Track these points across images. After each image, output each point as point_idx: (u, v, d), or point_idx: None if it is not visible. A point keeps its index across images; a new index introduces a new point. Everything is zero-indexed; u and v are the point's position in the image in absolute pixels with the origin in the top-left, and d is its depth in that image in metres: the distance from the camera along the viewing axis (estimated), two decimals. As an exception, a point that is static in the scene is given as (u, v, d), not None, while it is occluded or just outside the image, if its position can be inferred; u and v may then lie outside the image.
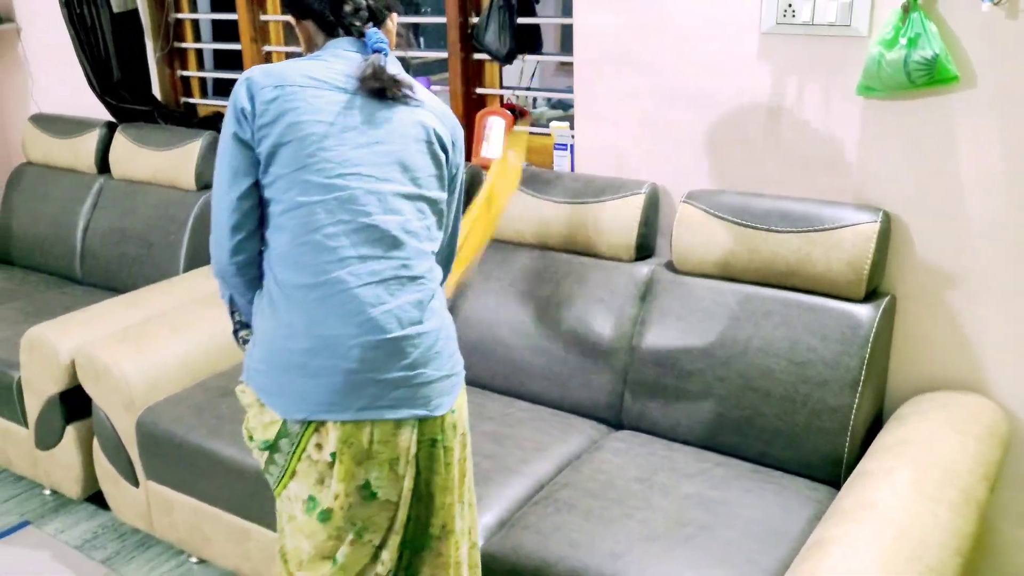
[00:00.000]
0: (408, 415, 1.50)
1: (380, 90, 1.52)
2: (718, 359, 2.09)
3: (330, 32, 1.60)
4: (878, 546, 1.51)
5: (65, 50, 3.35)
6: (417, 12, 3.50)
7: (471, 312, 2.46)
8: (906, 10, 1.86)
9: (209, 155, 3.07)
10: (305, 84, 1.50)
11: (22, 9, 3.63)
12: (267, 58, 3.24)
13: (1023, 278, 1.94)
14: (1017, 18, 1.82)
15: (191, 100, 3.52)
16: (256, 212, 1.51)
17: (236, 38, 3.24)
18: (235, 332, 1.68)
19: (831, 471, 1.98)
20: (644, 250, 2.32)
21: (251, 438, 1.59)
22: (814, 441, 1.99)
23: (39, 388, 2.54)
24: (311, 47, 1.64)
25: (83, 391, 2.48)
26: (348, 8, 1.57)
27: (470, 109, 2.82)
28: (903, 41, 1.86)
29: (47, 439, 2.59)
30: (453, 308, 2.49)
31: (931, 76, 1.87)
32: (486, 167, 2.66)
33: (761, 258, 2.09)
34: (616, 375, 2.24)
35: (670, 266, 2.27)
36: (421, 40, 3.96)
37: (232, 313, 1.66)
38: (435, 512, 1.60)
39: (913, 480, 1.70)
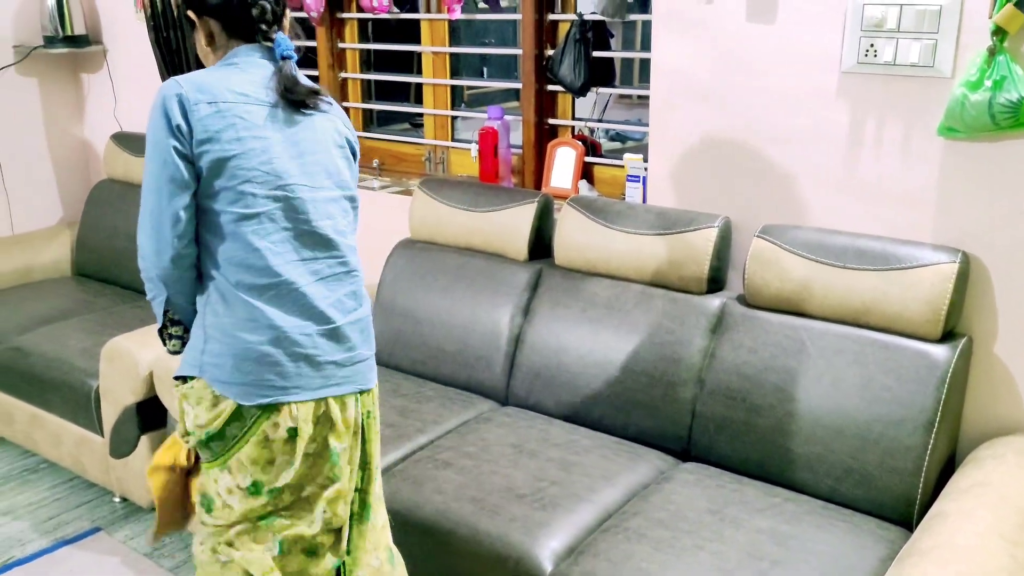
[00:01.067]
0: (353, 389, 1.73)
1: (301, 103, 1.67)
2: (789, 394, 2.09)
3: (233, 33, 1.69)
4: (958, 588, 1.50)
5: (148, 71, 3.48)
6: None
7: (536, 338, 2.49)
8: (992, 53, 1.86)
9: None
10: (236, 100, 1.61)
11: (109, 31, 3.77)
12: (343, 85, 3.32)
13: (1106, 324, 1.92)
14: (1106, 63, 1.82)
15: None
16: (194, 220, 1.63)
17: (313, 64, 3.33)
18: (163, 329, 1.78)
19: (903, 511, 1.96)
20: (715, 283, 2.33)
21: (188, 433, 1.71)
22: (887, 480, 1.97)
23: (117, 398, 2.62)
24: (212, 45, 1.71)
25: (159, 402, 2.55)
26: (255, 12, 1.67)
27: (541, 139, 2.87)
28: (988, 83, 1.87)
29: (121, 448, 2.66)
30: (519, 336, 2.52)
31: (1016, 119, 1.87)
32: (558, 196, 2.70)
33: (835, 295, 2.09)
34: (684, 406, 2.25)
35: (742, 300, 2.28)
36: (484, 70, 4.04)
37: (165, 313, 1.74)
38: (371, 479, 1.84)
39: (991, 522, 1.68)
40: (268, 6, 1.67)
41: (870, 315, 2.06)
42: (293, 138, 1.66)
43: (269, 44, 1.68)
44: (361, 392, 1.76)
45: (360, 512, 1.84)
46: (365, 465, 1.82)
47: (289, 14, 1.77)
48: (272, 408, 1.64)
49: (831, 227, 2.20)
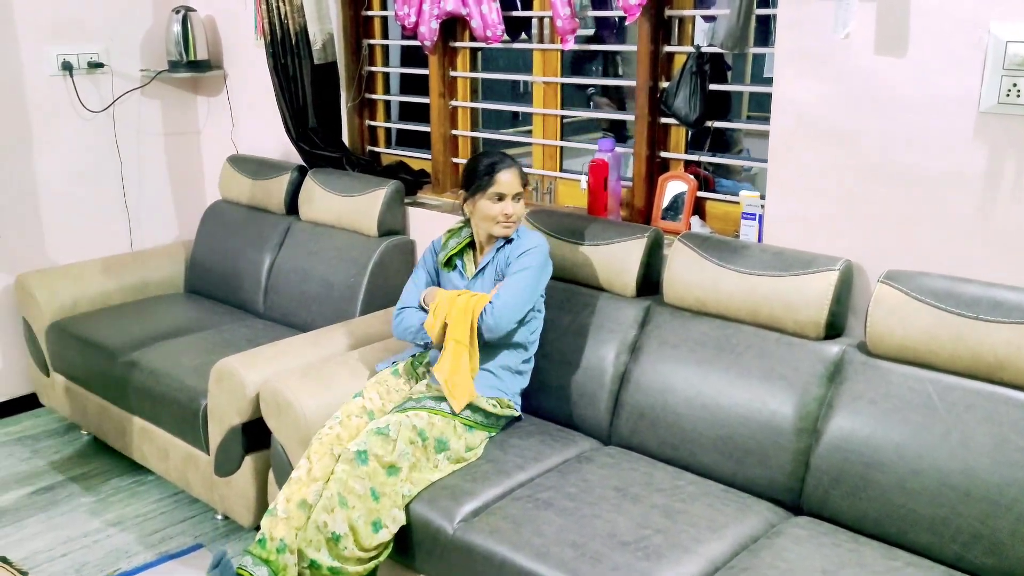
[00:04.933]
0: None
1: None
2: (913, 451, 1.98)
3: None
4: None
5: (265, 96, 3.57)
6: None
7: (642, 377, 2.42)
8: None
9: (392, 203, 3.18)
10: None
11: (230, 56, 3.89)
12: (453, 112, 3.34)
13: None
14: None
15: (376, 149, 3.67)
16: None
17: (423, 91, 3.36)
18: None
19: (1037, 584, 1.83)
20: (834, 329, 2.23)
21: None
22: (1020, 550, 1.84)
23: (223, 417, 2.67)
24: None
25: (263, 423, 2.58)
26: None
27: (653, 172, 2.81)
28: None
29: (226, 466, 2.71)
30: (625, 374, 2.46)
31: None
32: (669, 231, 2.64)
33: (966, 347, 1.97)
34: (797, 456, 2.15)
35: (863, 347, 2.17)
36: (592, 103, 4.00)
37: None
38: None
39: None
40: None
41: (1005, 371, 1.93)
42: None
43: None
44: None
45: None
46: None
47: None
48: None
49: (961, 275, 2.07)
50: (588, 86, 3.31)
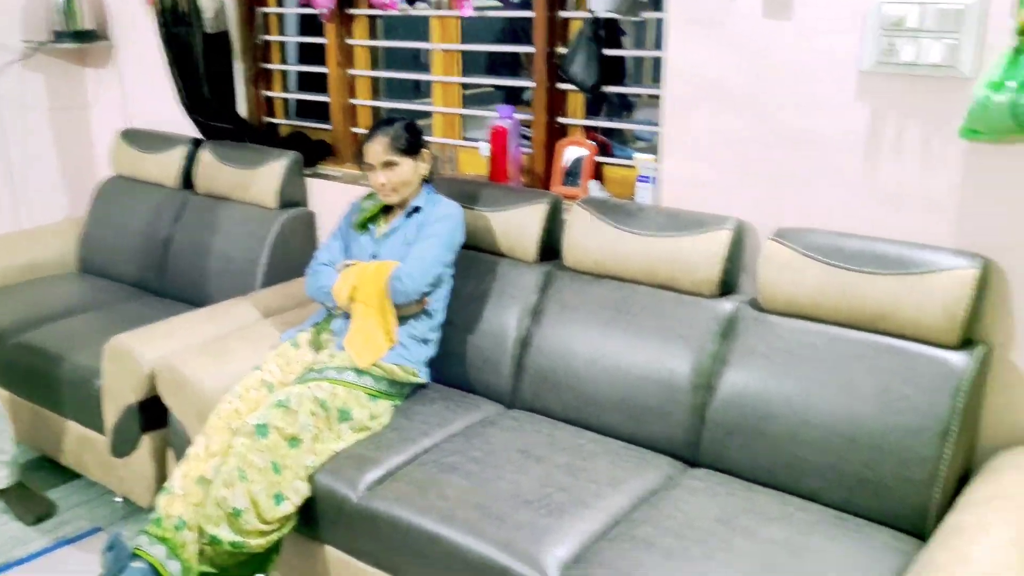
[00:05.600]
0: None
1: None
2: (802, 402, 2.05)
3: None
4: (977, 605, 1.45)
5: (156, 67, 3.45)
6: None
7: (544, 341, 2.44)
8: (1017, 52, 1.81)
9: (292, 175, 3.12)
10: None
11: (117, 27, 3.74)
12: (352, 82, 3.29)
13: None
14: None
15: (274, 120, 3.59)
16: None
17: (321, 61, 3.29)
18: None
19: (917, 522, 1.91)
20: (727, 287, 2.28)
21: None
22: (901, 491, 1.92)
23: (119, 396, 2.59)
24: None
25: (160, 401, 2.51)
26: None
27: (552, 138, 2.82)
28: (1012, 84, 1.81)
29: (122, 447, 2.63)
30: (527, 338, 2.48)
31: (1040, 121, 1.82)
32: (569, 197, 2.66)
33: (851, 300, 2.04)
34: (694, 412, 2.20)
35: (755, 304, 2.23)
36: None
37: None
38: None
39: (1010, 536, 1.64)
40: None
41: (886, 321, 2.01)
42: None
43: None
44: None
45: None
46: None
47: None
48: None
49: (848, 231, 2.15)
50: (491, 53, 3.30)
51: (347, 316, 2.42)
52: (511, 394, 2.51)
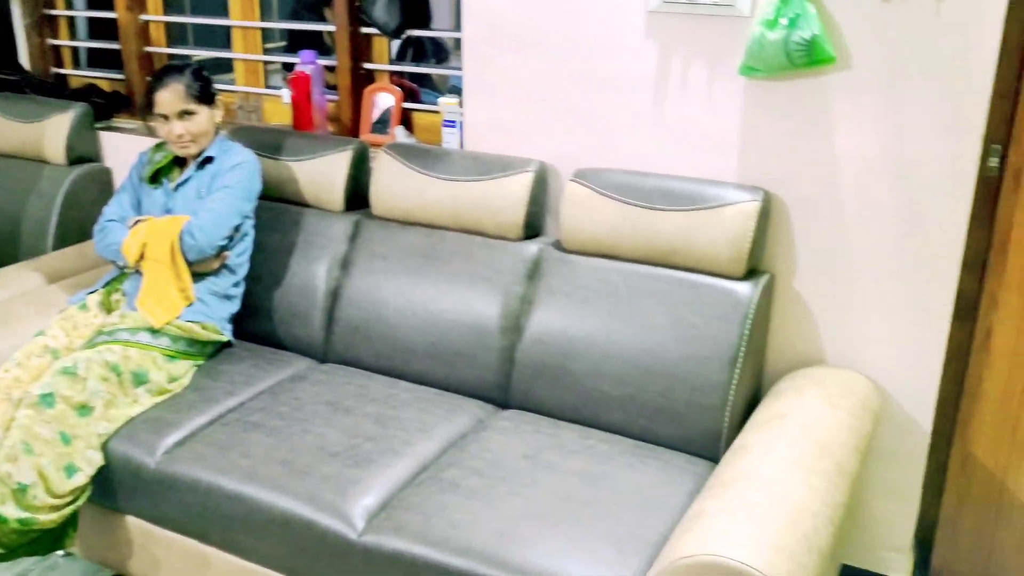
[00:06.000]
0: None
1: None
2: (603, 337, 2.09)
3: None
4: (755, 516, 1.53)
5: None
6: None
7: (355, 292, 2.40)
8: (786, -9, 1.88)
9: (81, 128, 2.91)
10: None
11: None
12: (144, 28, 3.08)
13: (896, 258, 2.01)
14: (891, 1, 1.87)
15: (62, 71, 3.33)
16: None
17: (110, 6, 3.07)
18: None
19: (711, 446, 2.01)
20: (532, 229, 2.30)
21: None
22: (694, 417, 2.01)
23: None
24: None
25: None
26: None
27: (358, 84, 2.75)
28: (783, 22, 1.89)
29: None
30: (337, 290, 2.43)
31: (810, 57, 1.90)
32: (375, 144, 2.60)
33: (646, 236, 2.10)
34: (503, 354, 2.22)
35: (558, 245, 2.26)
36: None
37: None
38: None
39: (789, 452, 1.73)
40: None
41: (679, 255, 2.08)
42: None
43: None
44: None
45: None
46: None
47: None
48: None
49: (644, 169, 2.19)
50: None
51: (140, 274, 2.29)
52: (323, 347, 2.46)
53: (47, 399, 1.99)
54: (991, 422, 2.12)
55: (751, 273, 2.06)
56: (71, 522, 2.07)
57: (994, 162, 1.99)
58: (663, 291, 2.07)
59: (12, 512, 1.95)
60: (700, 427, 2.00)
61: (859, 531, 2.20)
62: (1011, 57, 1.91)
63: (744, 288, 2.02)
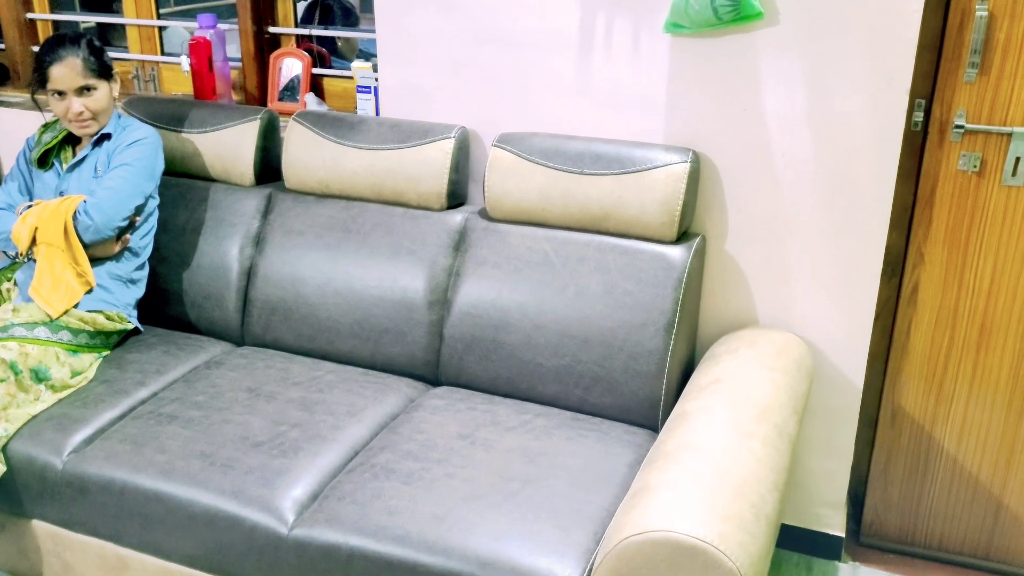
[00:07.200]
0: None
1: None
2: (535, 307, 2.03)
3: None
4: (701, 486, 1.49)
5: None
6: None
7: (270, 270, 2.28)
8: (712, -56, 1.82)
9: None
10: None
11: None
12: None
13: (826, 216, 1.99)
14: (816, -45, 1.83)
15: (-66, 40, 3.07)
16: None
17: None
18: None
19: (649, 414, 1.97)
20: (456, 198, 2.21)
21: None
22: (632, 385, 1.97)
23: None
24: None
25: None
26: None
27: (264, 49, 2.60)
28: (709, -24, 1.83)
29: None
30: (251, 268, 2.30)
31: (737, 13, 1.85)
32: (284, 113, 2.47)
33: (575, 202, 2.04)
34: (432, 329, 2.13)
35: (484, 214, 2.18)
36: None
37: None
38: None
39: (729, 418, 1.70)
40: None
41: (610, 221, 2.02)
42: None
43: None
44: None
45: None
46: None
47: None
48: None
49: (570, 133, 2.12)
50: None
51: (34, 262, 2.12)
52: (239, 330, 2.33)
53: None
54: (918, 375, 2.14)
55: (683, 236, 2.02)
56: None
57: (919, 116, 1.99)
58: (595, 258, 2.02)
59: None
60: (638, 395, 1.96)
61: (794, 490, 2.21)
62: (935, 9, 1.90)
63: (677, 252, 1.98)
